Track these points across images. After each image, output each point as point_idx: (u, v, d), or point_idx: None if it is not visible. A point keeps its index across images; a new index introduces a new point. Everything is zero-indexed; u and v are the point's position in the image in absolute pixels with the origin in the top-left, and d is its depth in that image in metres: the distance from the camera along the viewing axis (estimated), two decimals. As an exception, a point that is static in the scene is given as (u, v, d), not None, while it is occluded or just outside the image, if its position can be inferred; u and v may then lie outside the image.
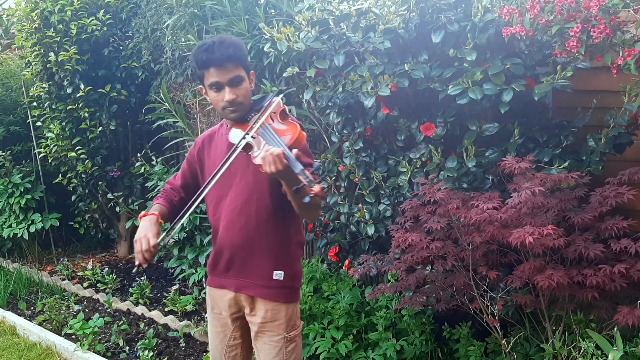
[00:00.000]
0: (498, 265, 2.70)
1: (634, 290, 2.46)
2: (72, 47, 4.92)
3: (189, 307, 4.27)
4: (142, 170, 4.95)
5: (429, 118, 2.94)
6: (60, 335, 4.08)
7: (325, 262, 3.68)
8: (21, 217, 5.52)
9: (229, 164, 2.02)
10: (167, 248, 4.41)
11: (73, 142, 5.21)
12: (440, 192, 2.63)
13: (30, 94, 5.49)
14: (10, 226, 5.53)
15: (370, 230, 3.13)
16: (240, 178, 2.13)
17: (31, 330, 4.16)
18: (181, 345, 3.84)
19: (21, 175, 5.51)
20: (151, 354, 3.68)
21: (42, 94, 5.32)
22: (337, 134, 3.35)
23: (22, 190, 5.46)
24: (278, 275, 2.15)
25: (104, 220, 5.67)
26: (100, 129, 5.15)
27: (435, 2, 2.74)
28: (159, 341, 3.87)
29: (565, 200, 2.53)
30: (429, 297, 2.90)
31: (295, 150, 1.86)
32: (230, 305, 2.24)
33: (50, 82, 5.20)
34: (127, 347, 3.84)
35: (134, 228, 5.31)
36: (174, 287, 4.54)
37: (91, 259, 5.64)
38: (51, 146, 5.29)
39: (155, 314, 4.28)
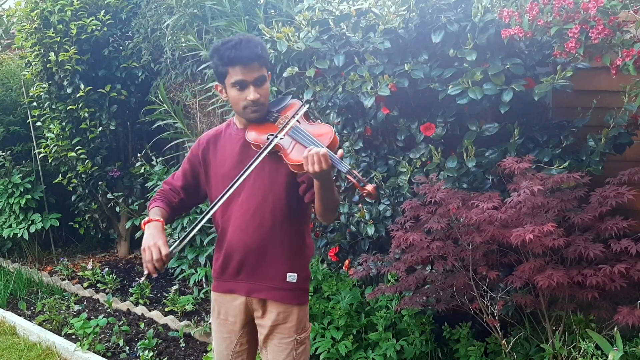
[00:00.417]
0: (498, 265, 2.70)
1: (634, 290, 2.46)
2: (72, 47, 4.92)
3: (189, 307, 4.26)
4: (142, 171, 4.95)
5: (429, 118, 2.94)
6: (60, 335, 4.08)
7: (325, 262, 3.68)
8: (21, 217, 5.52)
9: (257, 164, 1.99)
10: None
11: (73, 142, 5.21)
12: (440, 192, 2.63)
13: (30, 94, 5.49)
14: (10, 226, 5.53)
15: (370, 231, 3.13)
16: (255, 179, 2.07)
17: (31, 330, 4.16)
18: (181, 345, 3.84)
19: (21, 175, 5.51)
20: (151, 354, 3.68)
21: (42, 94, 5.32)
22: (337, 134, 3.35)
23: (22, 190, 5.46)
24: (292, 277, 2.12)
25: (104, 220, 5.67)
26: (100, 129, 5.16)
27: (435, 2, 2.74)
28: (159, 341, 3.87)
29: (565, 200, 2.53)
30: (429, 297, 2.90)
31: (340, 151, 1.87)
32: (240, 310, 2.19)
33: (50, 82, 5.20)
34: (127, 347, 3.84)
35: (134, 228, 5.32)
36: (174, 287, 4.54)
37: (91, 259, 5.64)
38: (51, 146, 5.30)
39: (155, 314, 4.28)
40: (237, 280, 2.17)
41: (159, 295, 4.67)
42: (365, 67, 2.94)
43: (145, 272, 1.99)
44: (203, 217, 2.01)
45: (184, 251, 4.36)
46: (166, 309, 4.35)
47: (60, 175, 5.42)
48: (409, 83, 2.81)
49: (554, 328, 2.65)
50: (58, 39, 4.95)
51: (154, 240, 1.98)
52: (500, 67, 2.63)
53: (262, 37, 3.33)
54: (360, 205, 3.22)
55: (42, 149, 5.41)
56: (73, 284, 5.05)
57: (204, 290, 4.37)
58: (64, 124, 5.23)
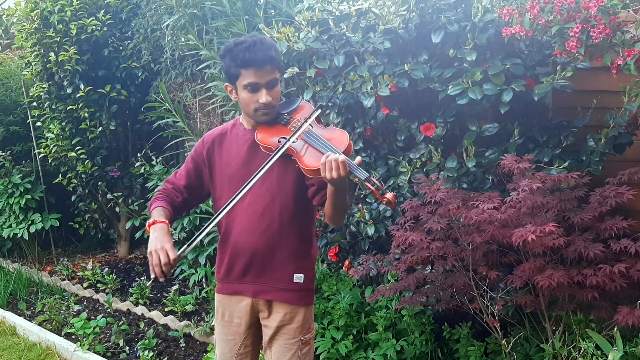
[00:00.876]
0: (498, 265, 2.70)
1: (634, 290, 2.46)
2: (72, 47, 4.92)
3: (189, 307, 4.26)
4: (142, 171, 4.95)
5: (429, 118, 2.94)
6: (60, 335, 4.07)
7: (325, 262, 3.68)
8: (21, 217, 5.52)
9: (269, 166, 1.98)
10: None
11: (73, 142, 5.21)
12: (440, 192, 2.63)
13: (30, 94, 5.49)
14: (10, 226, 5.53)
15: (370, 231, 3.13)
16: (262, 180, 2.03)
17: (31, 330, 4.16)
18: (181, 345, 3.84)
19: (21, 175, 5.51)
20: (151, 354, 3.68)
21: (42, 94, 5.32)
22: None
23: (22, 190, 5.46)
24: (298, 278, 2.12)
25: (104, 221, 5.67)
26: (100, 129, 5.15)
27: (435, 2, 2.74)
28: (159, 341, 3.87)
29: (565, 200, 2.53)
30: (429, 297, 2.90)
31: (358, 158, 1.86)
32: (246, 312, 2.17)
33: (50, 82, 5.20)
34: (127, 347, 3.84)
35: (134, 228, 5.31)
36: (174, 287, 4.54)
37: (91, 259, 5.64)
38: (51, 146, 5.29)
39: (155, 314, 4.27)
40: (244, 281, 2.15)
41: (159, 295, 4.67)
42: (365, 67, 2.94)
43: (152, 276, 1.94)
44: (212, 221, 2.00)
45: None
46: (166, 309, 4.35)
47: (60, 175, 5.41)
48: (409, 83, 2.81)
49: (554, 328, 2.65)
50: (58, 39, 4.95)
51: (161, 243, 1.95)
52: (500, 67, 2.63)
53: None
54: (360, 205, 3.22)
55: (42, 149, 5.41)
56: (73, 284, 5.05)
57: (204, 290, 4.36)
58: (63, 124, 5.23)
